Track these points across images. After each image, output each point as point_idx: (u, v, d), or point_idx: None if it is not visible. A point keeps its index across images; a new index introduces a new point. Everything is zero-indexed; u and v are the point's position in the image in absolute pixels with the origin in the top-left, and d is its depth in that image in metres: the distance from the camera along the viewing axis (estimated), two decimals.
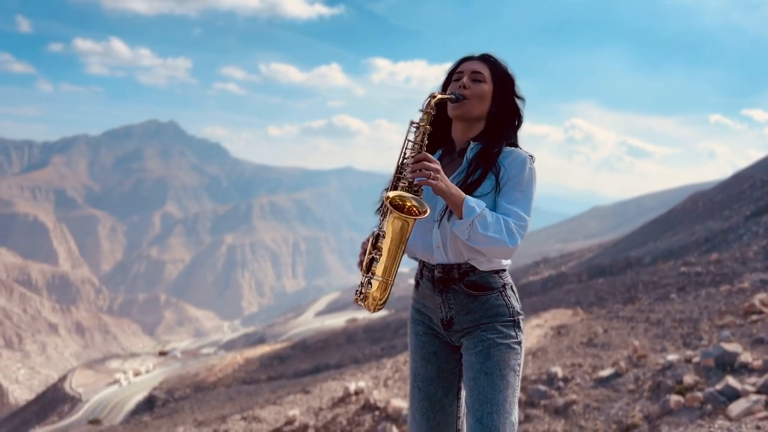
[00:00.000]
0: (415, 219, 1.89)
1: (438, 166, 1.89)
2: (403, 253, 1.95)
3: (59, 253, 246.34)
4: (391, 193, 1.92)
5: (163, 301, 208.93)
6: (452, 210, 1.96)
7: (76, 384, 50.84)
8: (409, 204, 1.92)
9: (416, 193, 1.96)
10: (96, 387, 49.46)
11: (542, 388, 8.64)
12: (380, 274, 1.95)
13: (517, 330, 2.14)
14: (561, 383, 8.79)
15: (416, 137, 1.98)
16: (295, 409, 11.43)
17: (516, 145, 2.20)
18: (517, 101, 2.21)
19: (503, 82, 2.17)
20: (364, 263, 1.98)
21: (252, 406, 16.25)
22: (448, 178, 2.11)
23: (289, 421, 10.26)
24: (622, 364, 8.80)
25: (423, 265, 2.20)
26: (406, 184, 1.96)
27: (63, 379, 55.25)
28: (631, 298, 18.33)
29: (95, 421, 33.97)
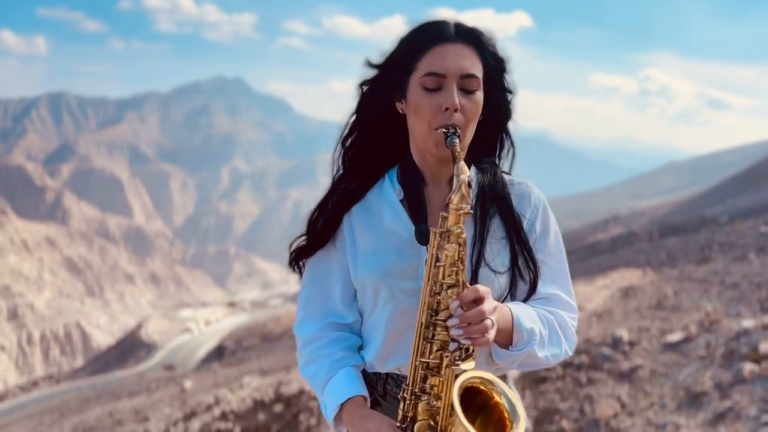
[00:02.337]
0: None
1: (490, 302, 1.19)
2: None
3: (134, 207, 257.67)
4: (468, 376, 1.19)
5: (233, 253, 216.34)
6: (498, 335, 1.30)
7: (152, 331, 53.70)
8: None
9: (469, 356, 1.21)
10: (170, 335, 52.12)
11: (606, 351, 8.41)
12: None
13: None
14: (626, 347, 8.54)
15: (450, 255, 1.21)
16: None
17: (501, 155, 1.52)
18: (508, 94, 1.46)
19: (496, 74, 1.41)
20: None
21: None
22: None
23: None
24: (693, 328, 8.44)
25: (387, 378, 1.43)
26: (442, 346, 1.22)
27: (139, 326, 58.48)
28: (705, 259, 17.56)
29: (170, 368, 35.81)
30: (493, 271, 1.35)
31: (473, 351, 1.20)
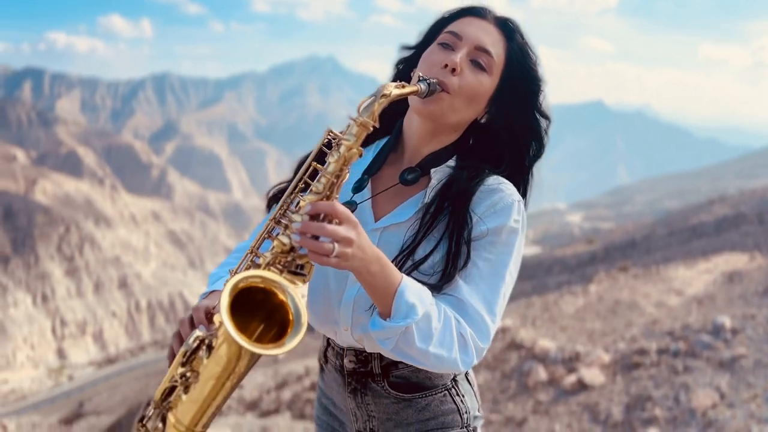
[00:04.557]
0: (266, 351, 1.01)
1: (351, 231, 1.03)
2: (233, 388, 1.08)
3: (232, 183, 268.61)
4: (243, 275, 1.04)
5: None
6: (371, 297, 1.15)
7: None
8: (264, 310, 1.10)
9: (298, 272, 1.10)
10: None
11: (706, 338, 7.97)
12: (184, 421, 1.10)
13: None
14: (729, 335, 8.05)
15: (328, 165, 1.07)
16: None
17: (518, 177, 1.34)
18: (538, 118, 1.32)
19: (521, 82, 1.28)
20: (162, 388, 1.12)
21: None
22: (387, 212, 1.31)
23: None
24: None
25: (327, 343, 1.43)
26: (285, 251, 1.09)
27: None
28: None
29: None
30: (420, 271, 1.22)
31: (307, 271, 1.10)
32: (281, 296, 1.06)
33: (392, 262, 1.17)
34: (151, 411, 1.15)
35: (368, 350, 1.31)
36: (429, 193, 1.28)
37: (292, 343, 1.01)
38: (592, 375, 7.03)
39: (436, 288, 1.20)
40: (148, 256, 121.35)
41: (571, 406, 6.71)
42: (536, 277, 34.94)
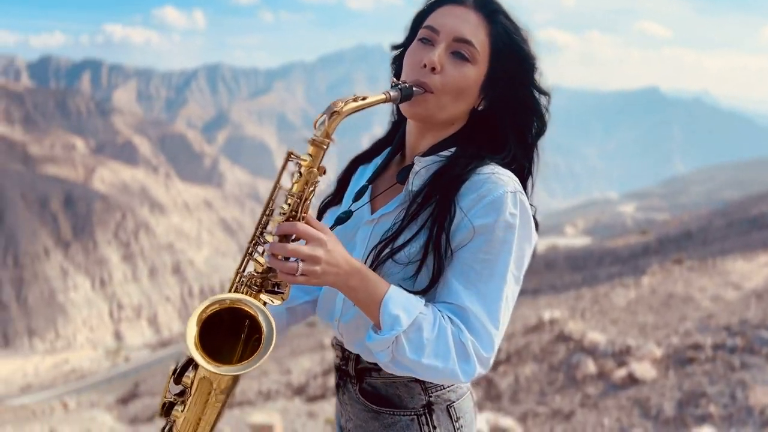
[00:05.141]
0: (239, 371, 1.05)
1: (318, 249, 1.05)
2: (223, 405, 1.15)
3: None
4: (206, 303, 1.10)
5: None
6: (363, 311, 1.14)
7: None
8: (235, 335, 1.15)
9: (275, 291, 1.14)
10: None
11: (765, 334, 7.68)
12: None
13: None
14: None
15: (292, 186, 1.10)
16: None
17: (522, 159, 1.27)
18: (537, 96, 1.25)
19: (512, 63, 1.22)
20: (162, 403, 1.18)
21: None
22: (377, 214, 1.28)
23: None
24: None
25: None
26: (263, 271, 1.13)
27: None
28: None
29: (311, 324, 37.71)
30: (395, 261, 1.18)
31: (284, 289, 1.13)
32: (250, 311, 1.10)
33: (372, 250, 1.20)
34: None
35: (346, 346, 1.30)
36: (412, 180, 1.23)
37: (261, 359, 1.04)
38: (644, 369, 6.88)
39: (425, 292, 1.16)
40: (201, 242, 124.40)
41: (621, 400, 6.57)
42: (586, 269, 34.30)
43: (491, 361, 1.13)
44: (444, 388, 1.25)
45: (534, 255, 1.21)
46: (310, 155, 1.08)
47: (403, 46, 1.31)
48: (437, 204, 1.16)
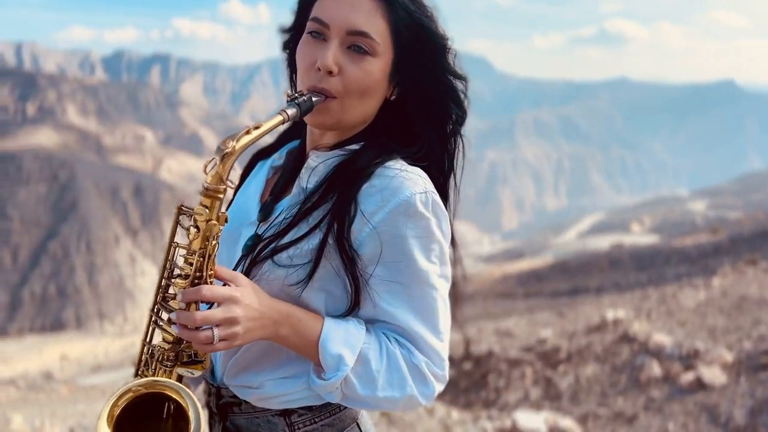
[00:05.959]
0: None
1: (233, 309, 0.94)
2: None
3: None
4: (118, 396, 0.97)
5: None
6: (300, 354, 1.05)
7: None
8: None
9: (192, 361, 1.01)
10: None
11: None
12: None
13: None
14: None
15: (190, 244, 0.96)
16: (548, 330, 11.33)
17: (439, 149, 1.12)
18: (449, 78, 1.11)
19: (418, 46, 1.07)
20: None
21: (505, 320, 16.58)
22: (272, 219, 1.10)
23: (541, 341, 10.20)
24: None
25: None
26: (174, 342, 1.00)
27: None
28: None
29: None
30: (274, 262, 1.03)
31: (202, 356, 1.01)
32: (171, 394, 0.98)
33: (248, 249, 1.08)
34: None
35: (216, 370, 1.15)
36: (306, 177, 1.09)
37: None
38: (713, 374, 6.59)
39: (350, 312, 1.05)
40: None
41: (688, 405, 6.32)
42: (653, 268, 33.23)
43: (447, 375, 1.06)
44: (317, 422, 1.09)
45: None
46: (205, 207, 0.94)
47: (294, 30, 1.15)
48: (335, 202, 1.03)
